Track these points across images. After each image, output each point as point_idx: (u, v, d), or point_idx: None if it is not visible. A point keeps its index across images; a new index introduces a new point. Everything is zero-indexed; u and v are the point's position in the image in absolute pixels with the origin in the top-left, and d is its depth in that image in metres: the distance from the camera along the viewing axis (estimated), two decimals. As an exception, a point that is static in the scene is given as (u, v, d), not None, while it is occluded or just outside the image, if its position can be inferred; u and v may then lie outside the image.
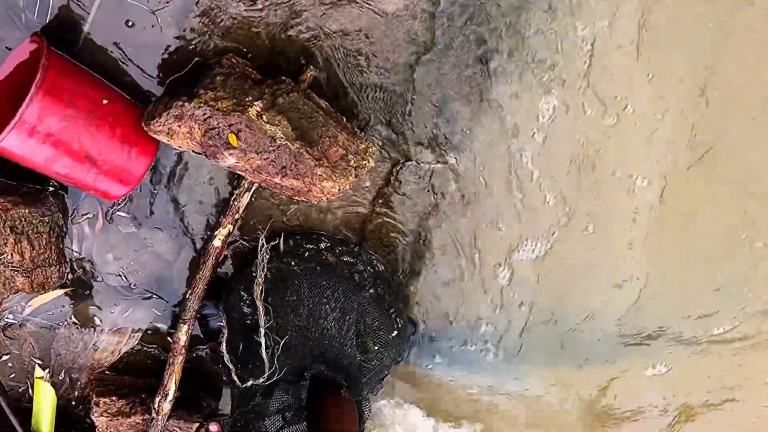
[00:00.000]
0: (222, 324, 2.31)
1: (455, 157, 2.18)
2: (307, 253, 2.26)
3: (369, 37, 1.95)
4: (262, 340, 2.12)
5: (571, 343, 2.68)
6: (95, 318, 2.39)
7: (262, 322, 2.14)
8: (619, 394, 2.86)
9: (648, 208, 2.33)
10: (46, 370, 2.43)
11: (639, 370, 2.78)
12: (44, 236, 2.04)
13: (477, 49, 1.98)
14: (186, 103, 1.74)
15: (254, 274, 2.17)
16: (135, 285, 2.34)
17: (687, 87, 2.11)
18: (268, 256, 2.17)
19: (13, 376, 2.45)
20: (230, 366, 2.17)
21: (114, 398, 2.37)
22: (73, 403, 2.54)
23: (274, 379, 2.12)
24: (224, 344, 2.17)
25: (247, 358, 2.20)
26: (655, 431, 2.97)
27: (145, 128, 1.84)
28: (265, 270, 2.16)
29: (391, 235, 2.35)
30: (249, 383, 2.12)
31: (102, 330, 2.41)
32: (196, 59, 1.92)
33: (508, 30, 1.98)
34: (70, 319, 2.37)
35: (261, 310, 2.14)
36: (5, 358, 2.41)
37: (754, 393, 2.84)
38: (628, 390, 2.86)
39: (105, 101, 1.82)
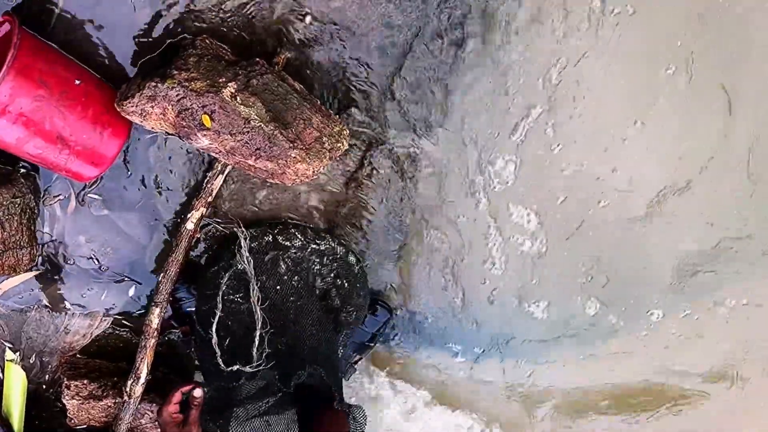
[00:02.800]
0: (193, 309, 2.32)
1: (429, 141, 2.19)
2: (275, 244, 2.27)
3: (344, 19, 1.95)
4: (258, 325, 2.12)
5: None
6: (66, 301, 2.37)
7: (256, 309, 2.13)
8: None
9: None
10: (17, 354, 2.41)
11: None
12: (15, 218, 2.03)
13: (452, 32, 1.99)
14: (159, 84, 1.74)
15: (239, 266, 2.18)
16: (107, 268, 2.33)
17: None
18: (247, 250, 2.17)
19: (-17, 359, 2.43)
20: (216, 350, 2.16)
21: (85, 381, 2.36)
22: (44, 386, 2.52)
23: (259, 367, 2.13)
24: (214, 326, 2.15)
25: (231, 343, 2.19)
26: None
27: (118, 109, 1.83)
28: (251, 261, 2.17)
29: (364, 219, 2.36)
30: (235, 367, 2.11)
31: (73, 313, 2.40)
32: (169, 40, 1.91)
33: (482, 14, 1.98)
34: (41, 302, 2.36)
35: (255, 297, 2.14)
36: (-25, 341, 2.40)
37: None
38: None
39: (77, 81, 1.81)
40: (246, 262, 2.15)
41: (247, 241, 2.18)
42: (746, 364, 2.86)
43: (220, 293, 2.15)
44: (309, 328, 2.21)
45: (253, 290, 2.14)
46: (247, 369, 2.08)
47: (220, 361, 2.10)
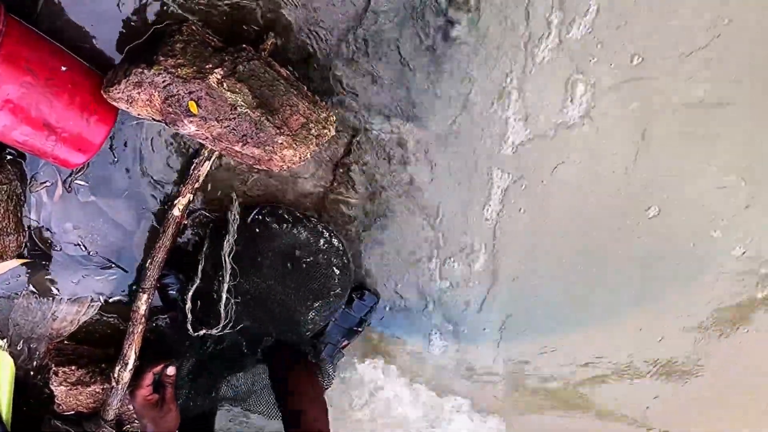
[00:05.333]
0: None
1: (415, 126, 2.20)
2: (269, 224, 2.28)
3: (332, 4, 1.95)
4: (224, 294, 2.14)
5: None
6: (54, 287, 2.38)
7: (227, 277, 2.15)
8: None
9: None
10: (5, 340, 2.42)
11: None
12: (2, 204, 2.03)
13: (436, 18, 1.99)
14: (146, 70, 1.74)
15: (223, 232, 2.19)
16: (94, 254, 2.33)
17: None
18: (238, 220, 2.19)
19: (-30, 346, 2.44)
20: (188, 315, 2.16)
21: (73, 368, 2.37)
22: (32, 373, 2.53)
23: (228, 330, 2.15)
24: (190, 293, 2.16)
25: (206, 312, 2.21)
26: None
27: (104, 95, 1.83)
28: (235, 234, 2.18)
29: (351, 205, 2.37)
30: (202, 332, 2.13)
31: (61, 299, 2.40)
32: (156, 27, 1.91)
33: None
34: (29, 288, 2.36)
35: (227, 265, 2.15)
36: (-38, 329, 2.40)
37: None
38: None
39: (64, 68, 1.81)
40: (232, 219, 2.17)
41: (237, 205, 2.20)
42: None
43: (202, 260, 2.17)
44: (289, 294, 2.24)
45: (227, 242, 2.15)
46: (214, 332, 2.09)
47: (189, 326, 2.11)
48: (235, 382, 2.40)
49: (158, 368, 2.15)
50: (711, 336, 2.83)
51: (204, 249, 2.22)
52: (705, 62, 2.06)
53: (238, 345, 2.26)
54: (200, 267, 2.19)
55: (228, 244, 2.16)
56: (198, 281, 2.17)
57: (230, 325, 2.15)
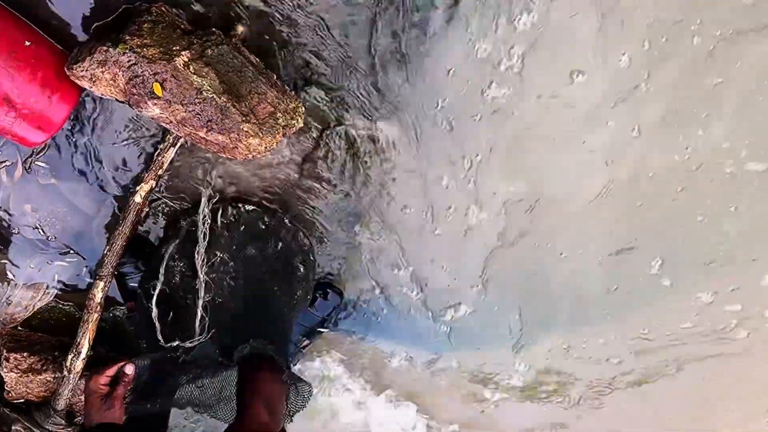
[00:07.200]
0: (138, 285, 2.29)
1: (386, 123, 2.17)
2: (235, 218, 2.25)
3: (306, -3, 1.92)
4: (200, 300, 2.10)
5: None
6: (9, 271, 2.32)
7: (201, 288, 2.11)
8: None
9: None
10: (-45, 324, 2.37)
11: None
12: (-43, 183, 1.98)
13: (413, 14, 1.97)
14: (111, 49, 1.69)
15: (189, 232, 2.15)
16: (52, 239, 2.28)
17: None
18: (209, 220, 2.15)
19: None
20: (156, 323, 2.12)
21: (25, 354, 2.32)
22: (-18, 358, 2.47)
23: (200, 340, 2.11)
24: (155, 298, 2.12)
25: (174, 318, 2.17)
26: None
27: (67, 73, 1.78)
28: (206, 238, 2.14)
29: (318, 200, 2.34)
30: (175, 343, 2.09)
31: (16, 284, 2.35)
32: (124, 6, 1.87)
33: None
34: (-17, 271, 2.31)
35: (201, 276, 2.11)
36: None
37: None
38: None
39: (28, 43, 1.77)
40: (202, 219, 2.13)
41: (210, 200, 2.16)
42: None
43: (163, 263, 2.13)
44: (258, 295, 2.20)
45: (198, 253, 2.11)
46: (187, 344, 2.05)
47: (159, 336, 2.07)
48: (203, 386, 2.34)
49: (128, 367, 2.11)
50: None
51: (169, 247, 2.18)
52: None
53: (210, 354, 2.21)
54: (162, 265, 2.15)
55: (200, 255, 2.12)
56: (160, 284, 2.12)
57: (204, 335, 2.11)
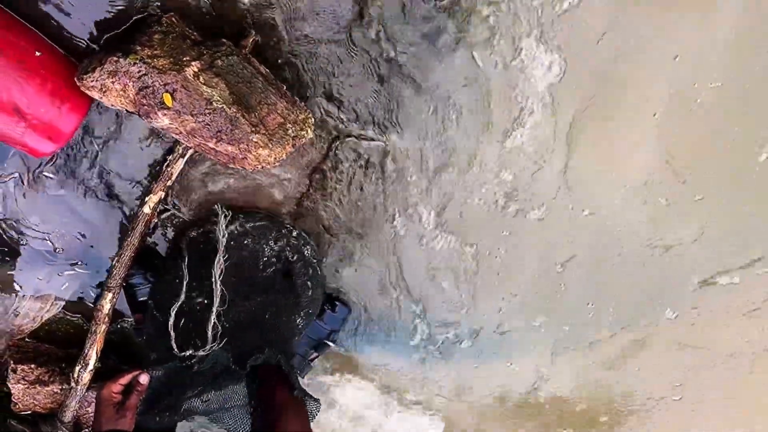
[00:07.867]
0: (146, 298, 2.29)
1: (394, 136, 2.16)
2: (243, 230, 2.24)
3: (314, 5, 1.91)
4: (214, 311, 2.09)
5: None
6: (17, 283, 2.32)
7: (217, 297, 2.10)
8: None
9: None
10: (-37, 335, 2.36)
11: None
12: (-34, 194, 1.98)
13: (423, 25, 1.96)
14: (121, 59, 1.69)
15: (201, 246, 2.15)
16: (61, 250, 2.28)
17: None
18: (226, 237, 2.15)
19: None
20: (171, 332, 2.11)
21: (33, 366, 2.31)
22: (-11, 370, 2.47)
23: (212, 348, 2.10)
24: (174, 308, 2.11)
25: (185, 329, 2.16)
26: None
27: (77, 83, 1.78)
28: (225, 253, 2.15)
29: (326, 212, 2.33)
30: (189, 352, 2.08)
31: (24, 296, 2.34)
32: (135, 17, 1.87)
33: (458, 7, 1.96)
34: (-9, 283, 2.31)
35: (217, 289, 2.11)
36: None
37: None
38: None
39: (38, 53, 1.77)
40: (221, 234, 2.13)
41: (226, 217, 2.16)
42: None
43: (185, 269, 2.13)
44: (266, 308, 2.19)
45: (218, 263, 2.11)
46: (201, 353, 2.05)
47: (174, 344, 2.06)
48: (209, 400, 2.33)
49: (142, 377, 2.09)
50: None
51: (183, 262, 2.17)
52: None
53: (224, 362, 2.19)
54: (184, 283, 2.14)
55: (218, 266, 2.12)
56: (182, 299, 2.12)
57: (217, 344, 2.11)
